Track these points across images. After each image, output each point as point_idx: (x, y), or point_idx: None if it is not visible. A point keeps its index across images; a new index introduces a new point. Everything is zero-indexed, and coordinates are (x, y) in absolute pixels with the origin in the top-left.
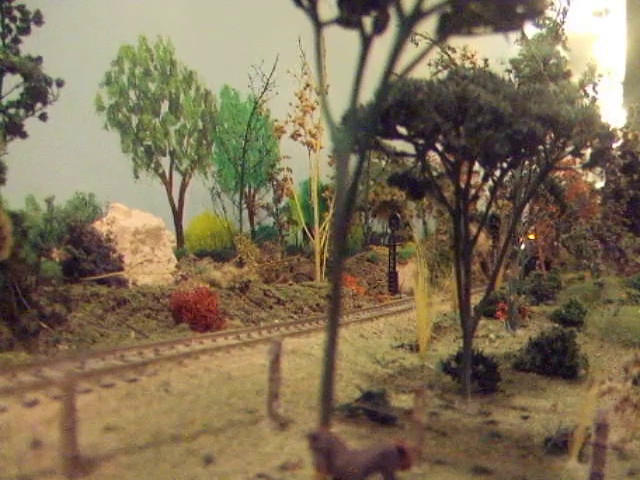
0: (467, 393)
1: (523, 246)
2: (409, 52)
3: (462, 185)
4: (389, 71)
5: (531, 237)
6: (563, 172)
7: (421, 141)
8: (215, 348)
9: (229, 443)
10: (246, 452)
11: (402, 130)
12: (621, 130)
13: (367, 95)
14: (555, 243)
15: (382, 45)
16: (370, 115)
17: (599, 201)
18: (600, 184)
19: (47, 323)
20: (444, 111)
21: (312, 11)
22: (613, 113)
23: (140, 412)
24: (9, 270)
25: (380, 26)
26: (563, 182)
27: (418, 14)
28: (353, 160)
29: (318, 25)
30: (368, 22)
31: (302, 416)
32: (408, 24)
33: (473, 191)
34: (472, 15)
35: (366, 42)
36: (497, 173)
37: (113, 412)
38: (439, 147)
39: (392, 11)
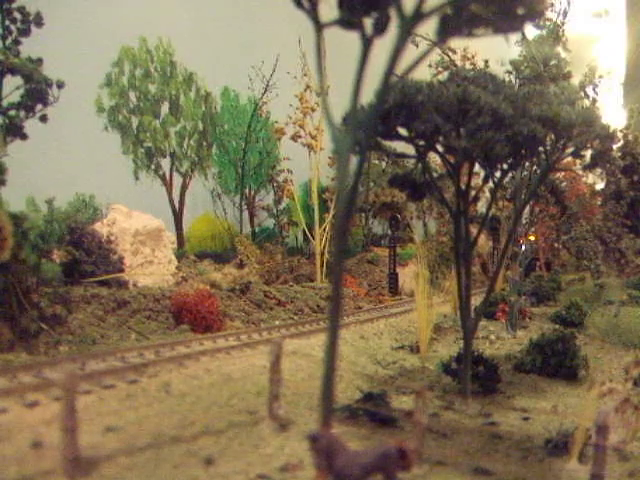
0: (467, 394)
1: (523, 247)
2: (409, 53)
3: (462, 186)
4: (390, 72)
5: (531, 238)
6: (563, 173)
7: (421, 142)
8: (215, 349)
9: (230, 444)
10: (247, 453)
11: (402, 131)
12: (621, 131)
13: (367, 96)
14: (555, 244)
15: (382, 46)
16: (371, 116)
17: (599, 202)
18: (600, 185)
19: (47, 324)
20: (444, 112)
21: (313, 12)
22: (613, 114)
23: (140, 413)
24: (9, 271)
25: (380, 27)
26: (563, 183)
27: (419, 15)
28: (354, 161)
29: (319, 26)
30: (368, 23)
31: (303, 417)
32: (409, 25)
33: (473, 192)
34: (472, 16)
35: (366, 43)
36: (497, 174)
37: (113, 413)
38: (439, 148)
39: (392, 12)
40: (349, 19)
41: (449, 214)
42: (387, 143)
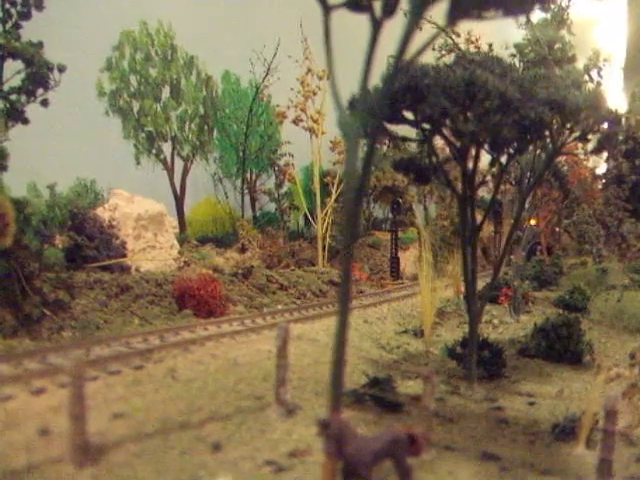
0: (473, 379)
1: (525, 232)
2: (414, 37)
3: (469, 170)
4: (400, 56)
5: (532, 222)
6: (565, 157)
7: (428, 126)
8: (220, 334)
9: (237, 430)
10: (254, 439)
11: (409, 115)
12: (623, 115)
13: (372, 80)
14: (557, 229)
15: (384, 29)
16: (381, 99)
17: (600, 186)
18: (602, 169)
19: (50, 310)
20: (452, 96)
21: None
22: (614, 98)
23: (147, 399)
24: (12, 257)
25: (390, 9)
26: (565, 167)
27: None
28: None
29: (327, 9)
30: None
31: (309, 402)
32: (419, 8)
33: (480, 177)
34: None
35: (376, 25)
36: (503, 159)
37: (120, 399)
38: (446, 132)
39: None
40: (357, 1)
41: (454, 198)
42: (390, 127)
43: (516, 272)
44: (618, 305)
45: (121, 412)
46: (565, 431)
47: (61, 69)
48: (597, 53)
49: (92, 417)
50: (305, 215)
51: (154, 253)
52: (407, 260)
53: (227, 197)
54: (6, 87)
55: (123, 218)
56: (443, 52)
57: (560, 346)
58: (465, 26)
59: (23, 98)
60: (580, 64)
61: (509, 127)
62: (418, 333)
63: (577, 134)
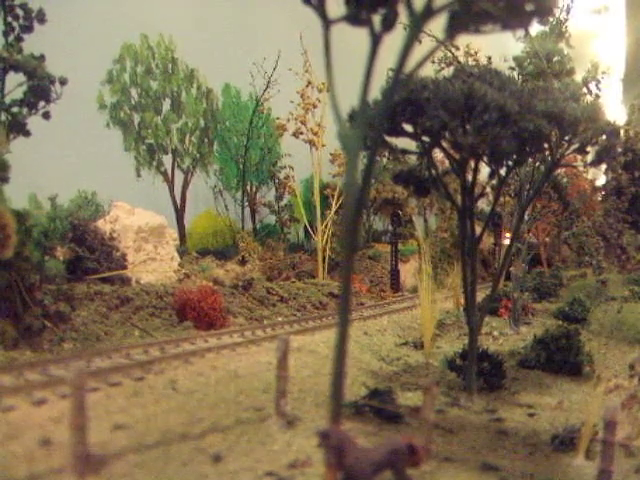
0: (473, 390)
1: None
2: (414, 50)
3: (468, 183)
4: (400, 69)
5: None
6: (565, 169)
7: (427, 139)
8: (220, 346)
9: (237, 441)
10: (254, 450)
11: (408, 127)
12: (622, 127)
13: (372, 92)
14: (556, 240)
15: (385, 43)
16: (380, 112)
17: (600, 198)
18: (601, 181)
19: (51, 322)
20: (451, 109)
21: (320, 9)
22: (613, 110)
23: (148, 410)
24: (13, 268)
25: (389, 23)
26: (564, 179)
27: (429, 12)
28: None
29: (326, 23)
30: (377, 19)
31: (309, 413)
32: (419, 22)
33: (479, 189)
34: (481, 13)
35: (375, 40)
36: (502, 171)
37: (121, 410)
38: (445, 145)
39: (400, 8)
40: (357, 15)
41: (454, 210)
42: (390, 139)
43: (516, 284)
44: (617, 316)
45: (122, 423)
46: (565, 442)
47: (62, 82)
48: (596, 65)
49: (93, 428)
50: (305, 227)
51: (154, 265)
52: (407, 272)
53: (227, 209)
54: (8, 99)
55: (124, 230)
56: (442, 65)
57: (560, 357)
58: (464, 39)
59: (25, 110)
60: (579, 77)
61: (508, 139)
62: (418, 345)
63: (576, 146)
